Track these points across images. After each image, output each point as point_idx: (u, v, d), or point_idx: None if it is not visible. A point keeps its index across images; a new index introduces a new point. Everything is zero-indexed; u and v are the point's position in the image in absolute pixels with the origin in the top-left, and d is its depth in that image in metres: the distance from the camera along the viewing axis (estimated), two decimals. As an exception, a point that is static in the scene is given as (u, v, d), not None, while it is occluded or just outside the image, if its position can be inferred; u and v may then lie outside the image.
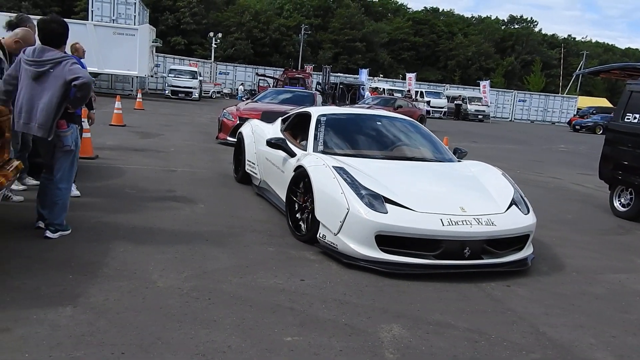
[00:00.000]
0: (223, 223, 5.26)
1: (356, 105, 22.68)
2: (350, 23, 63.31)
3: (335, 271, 4.16)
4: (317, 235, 4.56)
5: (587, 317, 3.77)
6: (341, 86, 32.88)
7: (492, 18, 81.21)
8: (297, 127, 6.38)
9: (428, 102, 34.56)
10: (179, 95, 28.90)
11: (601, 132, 33.60)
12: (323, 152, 5.31)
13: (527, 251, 4.68)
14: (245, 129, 7.40)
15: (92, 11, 27.19)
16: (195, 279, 3.73)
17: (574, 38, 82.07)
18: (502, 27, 78.26)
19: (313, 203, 4.60)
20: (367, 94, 28.99)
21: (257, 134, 6.93)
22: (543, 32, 79.49)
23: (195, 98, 29.29)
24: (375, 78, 44.54)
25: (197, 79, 30.17)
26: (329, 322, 3.25)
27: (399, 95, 33.36)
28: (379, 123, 6.19)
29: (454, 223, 4.24)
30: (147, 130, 12.87)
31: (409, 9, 77.93)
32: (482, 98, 39.86)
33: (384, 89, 35.13)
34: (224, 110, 12.04)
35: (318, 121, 5.80)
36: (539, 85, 60.28)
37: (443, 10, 79.79)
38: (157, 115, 17.60)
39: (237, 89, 39.07)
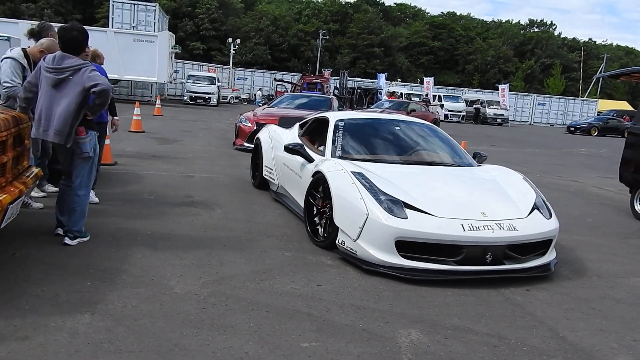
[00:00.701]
0: (240, 228, 5.27)
1: (369, 109, 22.63)
2: (369, 28, 63.32)
3: (352, 276, 4.14)
4: (336, 241, 4.52)
5: (609, 321, 3.69)
6: (359, 91, 32.88)
7: (512, 22, 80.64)
8: (314, 133, 6.37)
9: (441, 106, 34.42)
10: (198, 101, 29.18)
11: (596, 133, 34.02)
12: (341, 157, 5.28)
13: (549, 256, 4.60)
14: (262, 135, 7.36)
15: (112, 18, 27.61)
16: (213, 284, 3.74)
17: (594, 41, 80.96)
18: (522, 31, 77.53)
19: (332, 209, 4.56)
20: (383, 97, 28.88)
21: (274, 139, 6.90)
22: (563, 36, 78.65)
23: (213, 104, 29.53)
24: (393, 82, 44.42)
25: (215, 84, 30.42)
26: (346, 328, 3.23)
27: (417, 99, 33.29)
28: (397, 128, 6.14)
29: (475, 228, 4.18)
30: (166, 136, 13.01)
31: (427, 13, 77.80)
32: (500, 102, 39.49)
33: (401, 93, 34.99)
34: (241, 116, 11.99)
35: (336, 126, 5.77)
36: (559, 88, 59.50)
37: (461, 14, 79.42)
38: (175, 121, 17.77)
39: (254, 94, 39.32)
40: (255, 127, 10.90)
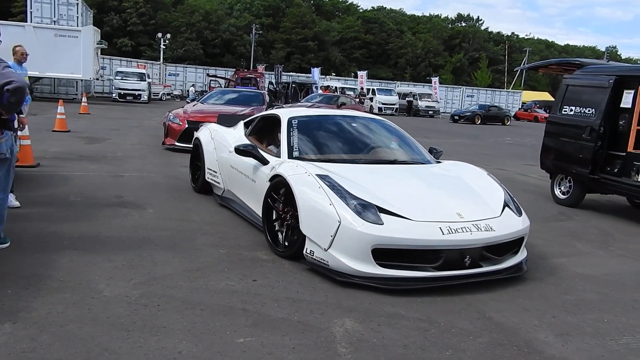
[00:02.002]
0: (173, 227, 5.16)
1: (299, 103, 22.63)
2: (302, 22, 63.38)
3: (288, 270, 4.16)
4: (304, 251, 4.16)
5: (532, 300, 3.93)
6: (293, 85, 32.88)
7: (440, 17, 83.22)
8: (263, 132, 6.03)
9: (371, 99, 34.95)
10: (127, 98, 28.21)
11: (479, 121, 33.34)
12: (298, 158, 4.95)
13: (522, 254, 4.49)
14: (202, 135, 6.86)
15: (31, 12, 26.09)
16: (144, 285, 3.65)
17: (517, 35, 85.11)
18: (450, 26, 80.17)
19: (296, 216, 4.22)
20: (319, 92, 29.06)
21: (217, 140, 6.45)
22: (489, 30, 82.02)
23: (144, 101, 28.64)
24: (328, 77, 44.76)
25: (145, 81, 29.50)
26: (281, 321, 3.25)
27: (352, 93, 33.75)
28: (354, 124, 5.82)
29: (454, 231, 3.97)
30: (93, 135, 12.50)
31: (359, 7, 78.78)
32: (432, 94, 40.72)
33: (336, 87, 35.33)
34: (170, 114, 11.30)
35: (289, 124, 5.38)
36: (486, 80, 62.05)
37: (392, 9, 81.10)
38: (104, 120, 17.10)
39: (187, 91, 38.46)
40: (186, 126, 10.51)
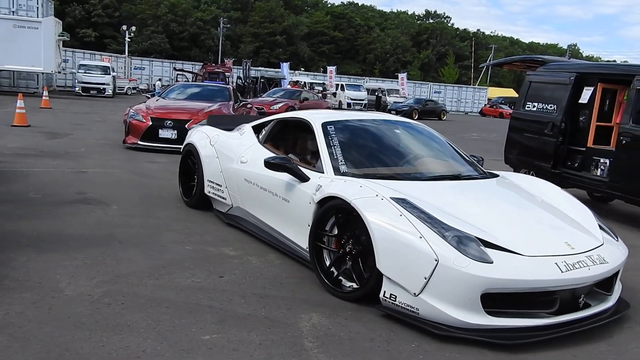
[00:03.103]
0: (138, 224, 5.07)
1: (260, 97, 22.28)
2: (270, 16, 63.03)
3: (255, 266, 4.14)
4: (381, 295, 3.37)
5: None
6: (262, 80, 32.68)
7: (408, 13, 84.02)
8: (284, 139, 5.19)
9: (334, 94, 34.53)
10: (91, 92, 27.58)
11: (417, 116, 30.84)
12: (347, 174, 4.05)
13: (619, 285, 3.81)
14: (198, 140, 5.85)
15: (-14, 3, 25.20)
16: (107, 284, 3.57)
17: (483, 32, 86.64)
18: (418, 22, 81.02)
19: (369, 250, 3.40)
20: (287, 87, 28.98)
21: (220, 147, 5.53)
22: (455, 27, 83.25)
23: (108, 95, 28.06)
24: (297, 72, 44.65)
25: (109, 74, 28.88)
26: (248, 317, 3.23)
27: (320, 88, 33.75)
28: (397, 131, 4.92)
29: (571, 267, 3.26)
30: (55, 130, 12.16)
31: (327, 2, 78.78)
32: (400, 90, 41.06)
33: (305, 82, 35.27)
34: (131, 110, 10.35)
35: (325, 131, 4.46)
36: (453, 77, 63.03)
37: (363, 5, 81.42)
38: (66, 114, 16.65)
39: (154, 85, 37.78)
40: (150, 123, 9.82)
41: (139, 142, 9.89)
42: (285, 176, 4.29)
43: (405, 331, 3.21)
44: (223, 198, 5.33)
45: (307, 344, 2.95)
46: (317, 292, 3.71)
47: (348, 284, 3.63)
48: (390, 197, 3.49)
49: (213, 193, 5.48)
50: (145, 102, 11.30)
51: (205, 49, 58.85)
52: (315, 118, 4.71)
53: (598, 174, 7.11)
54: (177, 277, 3.78)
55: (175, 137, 9.70)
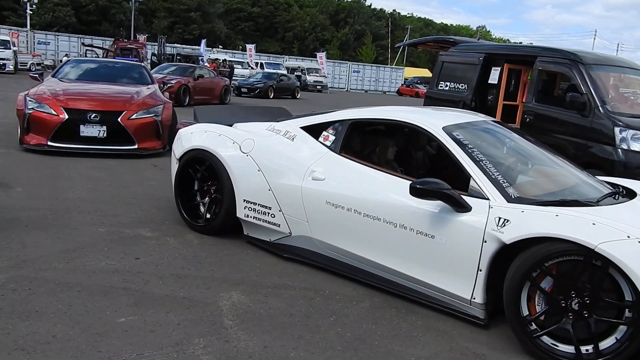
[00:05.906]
0: (46, 207, 4.80)
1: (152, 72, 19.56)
2: (185, -9, 60.74)
3: (173, 247, 4.06)
4: None
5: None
6: (178, 57, 31.54)
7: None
8: (376, 147, 4.22)
9: (232, 70, 27.69)
10: (-11, 68, 25.39)
11: (272, 95, 25.63)
12: (523, 201, 3.12)
13: None
14: (215, 144, 4.34)
15: None
16: (13, 269, 3.37)
17: (399, 13, 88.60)
18: (336, 1, 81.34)
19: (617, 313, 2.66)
20: (205, 64, 28.13)
21: (262, 154, 4.17)
22: (372, 7, 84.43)
23: (9, 71, 26.05)
24: (214, 49, 43.50)
25: (10, 49, 26.77)
26: (166, 298, 3.18)
27: (239, 66, 33.08)
28: (514, 136, 4.13)
29: None
30: (-53, 108, 11.13)
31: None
32: (320, 69, 41.21)
33: (224, 60, 34.45)
34: (29, 98, 7.52)
35: (456, 140, 3.46)
36: (371, 56, 64.03)
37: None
38: (-40, 91, 15.28)
39: (60, 61, 35.38)
40: (66, 116, 7.16)
41: (49, 143, 7.21)
42: (424, 204, 3.26)
43: (324, 305, 3.30)
44: (274, 224, 4.06)
45: (227, 322, 2.96)
46: (237, 271, 3.71)
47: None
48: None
49: (255, 217, 4.15)
50: (38, 85, 8.36)
51: (116, 23, 55.70)
52: (432, 123, 3.65)
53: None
54: (89, 260, 3.64)
55: (105, 135, 7.28)
